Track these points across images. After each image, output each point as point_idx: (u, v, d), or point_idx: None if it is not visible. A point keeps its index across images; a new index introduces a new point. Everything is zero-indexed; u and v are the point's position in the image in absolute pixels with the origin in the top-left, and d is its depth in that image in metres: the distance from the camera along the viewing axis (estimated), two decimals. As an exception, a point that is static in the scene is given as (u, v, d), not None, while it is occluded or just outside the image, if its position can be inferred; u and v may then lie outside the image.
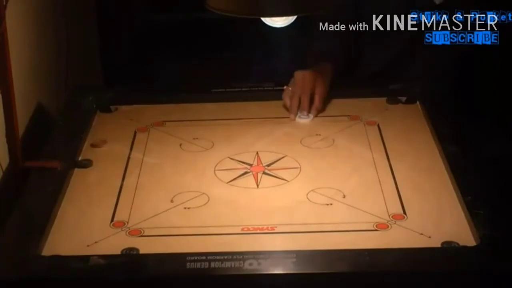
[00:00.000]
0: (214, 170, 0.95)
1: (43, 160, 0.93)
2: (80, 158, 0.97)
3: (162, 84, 1.33)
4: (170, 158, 0.98)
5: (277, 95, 1.16)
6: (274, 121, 1.09)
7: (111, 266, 0.72)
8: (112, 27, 1.56)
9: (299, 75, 1.19)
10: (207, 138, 1.04)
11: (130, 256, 0.74)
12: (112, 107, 1.13)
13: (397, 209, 0.85)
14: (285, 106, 1.15)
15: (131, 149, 1.00)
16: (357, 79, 1.29)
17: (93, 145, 1.01)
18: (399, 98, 1.17)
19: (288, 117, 1.12)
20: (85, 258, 0.73)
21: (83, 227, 0.83)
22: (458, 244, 0.76)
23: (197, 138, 1.03)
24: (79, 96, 1.15)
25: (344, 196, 0.88)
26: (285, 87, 1.17)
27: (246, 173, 0.95)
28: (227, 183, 0.92)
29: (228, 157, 0.98)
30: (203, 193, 0.89)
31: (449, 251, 0.74)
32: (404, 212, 0.85)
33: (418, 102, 1.14)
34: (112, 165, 0.96)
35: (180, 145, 1.03)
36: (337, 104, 1.15)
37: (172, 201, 0.88)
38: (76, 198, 0.89)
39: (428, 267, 0.72)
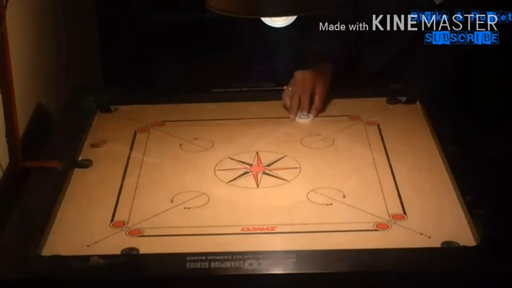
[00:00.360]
0: (214, 170, 0.95)
1: (43, 160, 0.93)
2: (80, 158, 0.97)
3: (162, 84, 1.32)
4: (170, 158, 0.99)
5: (277, 95, 1.16)
6: (274, 121, 1.10)
7: (111, 266, 0.72)
8: (112, 27, 1.56)
9: (299, 75, 1.19)
10: (207, 138, 1.04)
11: (130, 256, 0.75)
12: (112, 107, 1.13)
13: (397, 209, 0.85)
14: (285, 106, 1.15)
15: (131, 149, 1.00)
16: (357, 79, 1.29)
17: (93, 145, 1.01)
18: (399, 98, 1.17)
19: (288, 117, 1.12)
20: (85, 258, 0.73)
21: (83, 227, 0.83)
22: (458, 244, 0.77)
23: (197, 138, 1.03)
24: (79, 96, 1.15)
25: (344, 196, 0.89)
26: (285, 87, 1.17)
27: (246, 173, 0.95)
28: (227, 183, 0.92)
29: (228, 157, 0.98)
30: (203, 193, 0.90)
31: (449, 251, 0.74)
32: (404, 212, 0.85)
33: (418, 102, 1.14)
34: (112, 165, 0.96)
35: (180, 145, 1.03)
36: (337, 104, 1.15)
37: (172, 201, 0.88)
38: (76, 198, 0.89)
39: (428, 267, 0.72)
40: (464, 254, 0.73)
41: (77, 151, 0.98)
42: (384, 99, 1.16)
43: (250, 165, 0.97)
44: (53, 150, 0.98)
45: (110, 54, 1.54)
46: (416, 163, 0.95)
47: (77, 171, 0.94)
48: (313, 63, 1.24)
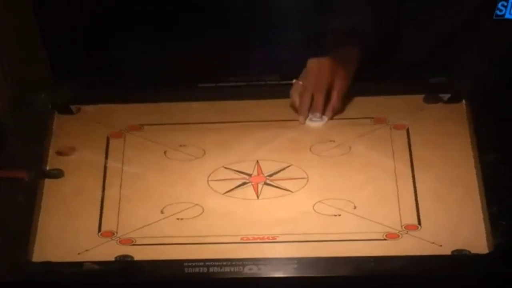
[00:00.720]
0: (208, 181, 1.43)
1: (4, 170, 1.41)
2: (48, 168, 1.45)
3: (134, 77, 1.77)
4: (154, 168, 1.46)
5: (283, 92, 1.60)
6: (278, 125, 1.56)
7: (107, 271, 1.20)
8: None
9: (313, 64, 1.59)
10: (196, 145, 1.51)
11: (126, 262, 1.22)
12: (73, 107, 1.60)
13: (411, 219, 1.32)
14: (293, 106, 1.59)
15: (106, 157, 1.48)
16: (389, 70, 1.72)
17: (59, 153, 1.50)
18: (441, 95, 1.60)
19: (297, 120, 1.56)
20: (79, 264, 1.21)
21: (70, 237, 1.30)
22: (469, 252, 1.23)
23: (184, 145, 1.51)
24: (27, 93, 1.61)
25: (355, 207, 1.35)
26: (294, 80, 1.60)
27: (244, 183, 1.42)
28: (223, 194, 1.40)
29: (223, 167, 1.46)
30: (196, 204, 1.37)
31: (457, 258, 1.20)
32: (419, 223, 1.31)
33: (463, 101, 1.58)
34: (88, 175, 1.44)
35: (165, 152, 1.50)
36: (359, 103, 1.60)
37: (162, 212, 1.35)
38: (55, 209, 1.36)
39: (432, 272, 1.19)
40: (472, 260, 1.20)
41: (42, 159, 1.46)
42: (421, 96, 1.60)
43: (249, 175, 1.44)
44: (12, 158, 1.45)
45: (58, 38, 1.93)
46: (444, 173, 1.41)
47: (48, 182, 1.42)
48: (333, 47, 1.62)
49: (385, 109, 1.59)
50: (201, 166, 1.47)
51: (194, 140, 1.53)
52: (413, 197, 1.38)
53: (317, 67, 1.60)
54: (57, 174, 1.45)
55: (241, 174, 1.45)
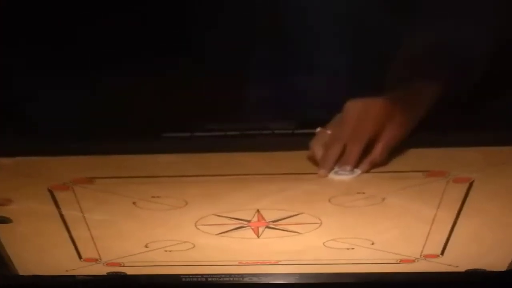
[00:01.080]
0: (196, 225, 2.95)
1: None
2: None
3: (60, 118, 3.26)
4: (124, 216, 3.02)
5: (297, 143, 3.00)
6: (287, 177, 3.03)
7: (101, 281, 2.74)
8: None
9: (353, 108, 2.74)
10: (174, 197, 3.07)
11: (120, 276, 2.73)
12: None
13: (434, 251, 2.74)
14: (312, 158, 2.94)
15: (57, 207, 3.06)
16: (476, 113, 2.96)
17: (-5, 204, 3.13)
18: None
19: (315, 173, 2.94)
20: (71, 276, 2.74)
21: (51, 262, 2.81)
22: (485, 270, 2.62)
23: (158, 197, 3.08)
24: None
25: (372, 243, 2.78)
26: (318, 129, 2.84)
27: (241, 227, 2.94)
28: (216, 235, 2.91)
29: (214, 214, 2.98)
30: (186, 242, 2.89)
31: (469, 274, 2.65)
32: (442, 254, 2.73)
33: None
34: (42, 222, 2.99)
35: (134, 203, 3.08)
36: (413, 155, 3.04)
37: (147, 246, 2.87)
38: (21, 247, 2.87)
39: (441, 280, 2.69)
40: (485, 276, 2.66)
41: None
42: (508, 148, 2.94)
43: (248, 221, 2.95)
44: None
45: None
46: (495, 220, 2.86)
47: (-1, 227, 2.97)
48: (401, 80, 2.72)
49: (448, 161, 3.02)
50: (184, 215, 2.96)
51: (169, 192, 3.05)
52: (446, 236, 2.74)
53: (358, 113, 2.87)
54: (5, 220, 3.00)
55: (237, 220, 2.93)
